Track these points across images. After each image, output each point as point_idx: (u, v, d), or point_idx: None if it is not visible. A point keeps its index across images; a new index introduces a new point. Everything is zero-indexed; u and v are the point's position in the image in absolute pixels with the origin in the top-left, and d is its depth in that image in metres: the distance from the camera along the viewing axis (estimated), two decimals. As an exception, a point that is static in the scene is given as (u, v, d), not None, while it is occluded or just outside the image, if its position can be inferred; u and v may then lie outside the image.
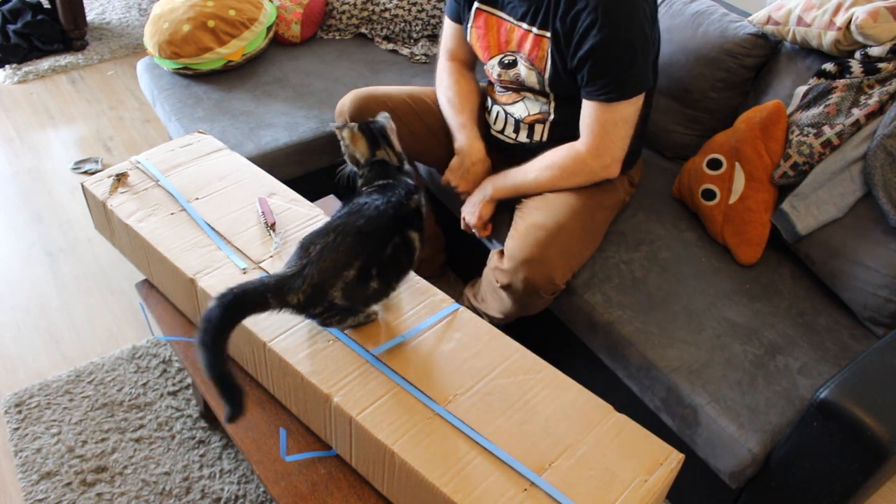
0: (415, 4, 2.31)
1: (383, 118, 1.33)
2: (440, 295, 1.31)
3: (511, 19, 1.50)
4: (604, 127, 1.43)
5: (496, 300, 1.56)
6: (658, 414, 1.39)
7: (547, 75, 1.47)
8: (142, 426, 1.69)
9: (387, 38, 2.35)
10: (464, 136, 1.62)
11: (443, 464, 1.03)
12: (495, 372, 1.17)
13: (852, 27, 1.46)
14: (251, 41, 2.15)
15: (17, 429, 1.68)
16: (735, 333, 1.40)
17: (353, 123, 1.31)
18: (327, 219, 1.41)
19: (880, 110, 1.44)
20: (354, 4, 2.34)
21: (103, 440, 1.65)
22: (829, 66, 1.53)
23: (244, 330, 1.23)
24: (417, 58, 2.27)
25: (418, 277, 1.33)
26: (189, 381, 1.78)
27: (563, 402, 1.13)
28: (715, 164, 1.58)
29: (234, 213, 1.44)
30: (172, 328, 1.45)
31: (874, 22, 1.43)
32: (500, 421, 1.09)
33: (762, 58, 1.66)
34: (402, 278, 1.24)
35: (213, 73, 2.13)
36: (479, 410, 1.11)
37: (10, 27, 3.02)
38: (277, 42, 2.31)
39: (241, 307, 1.10)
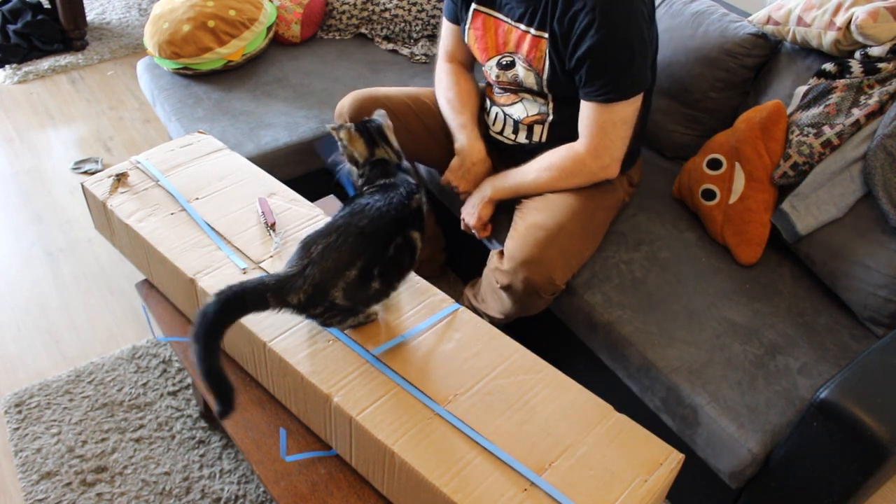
0: (415, 4, 2.31)
1: (379, 116, 1.33)
2: (440, 295, 1.31)
3: (509, 20, 1.50)
4: (602, 127, 1.43)
5: (496, 300, 1.56)
6: (658, 414, 1.39)
7: (545, 76, 1.47)
8: (142, 426, 1.69)
9: (387, 38, 2.35)
10: (464, 137, 1.62)
11: (443, 464, 1.03)
12: (495, 372, 1.17)
13: (852, 27, 1.46)
14: (251, 41, 2.15)
15: (17, 429, 1.68)
16: (735, 333, 1.40)
17: (349, 124, 1.31)
18: (327, 219, 1.42)
19: (880, 110, 1.44)
20: (354, 4, 2.34)
21: (103, 440, 1.65)
22: (829, 66, 1.53)
23: (244, 330, 1.23)
24: (417, 58, 2.27)
25: (418, 277, 1.33)
26: (189, 381, 1.78)
27: (563, 402, 1.13)
28: (715, 164, 1.58)
29: (234, 213, 1.45)
30: (172, 328, 1.45)
31: (874, 22, 1.43)
32: (500, 421, 1.09)
33: (762, 58, 1.66)
34: (403, 278, 1.24)
35: (213, 73, 2.13)
36: (479, 410, 1.11)
37: (10, 27, 3.02)
38: (277, 42, 2.31)
39: (240, 305, 1.10)
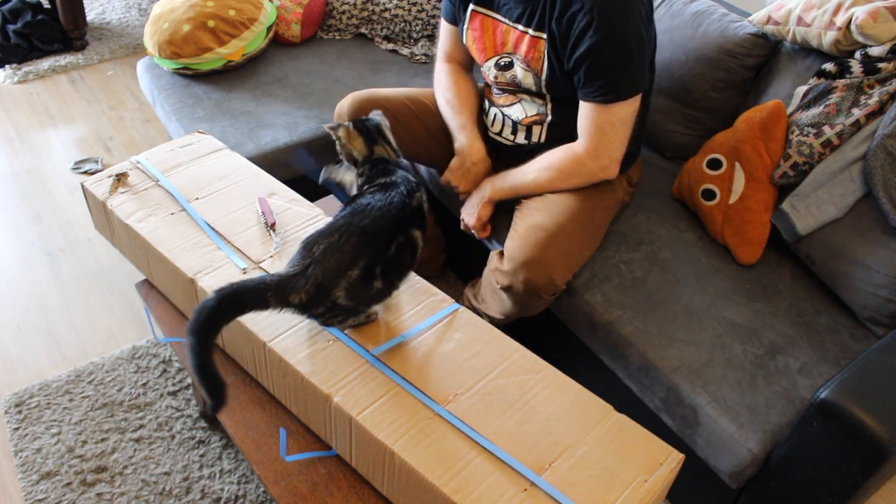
0: (415, 4, 2.31)
1: (376, 115, 1.33)
2: (440, 295, 1.31)
3: (507, 21, 1.50)
4: (601, 128, 1.43)
5: (496, 301, 1.56)
6: (658, 414, 1.39)
7: (543, 77, 1.47)
8: (142, 426, 1.69)
9: (387, 38, 2.35)
10: (464, 137, 1.62)
11: (443, 464, 1.03)
12: (495, 372, 1.17)
13: (852, 27, 1.46)
14: (251, 41, 2.15)
15: (17, 429, 1.68)
16: (735, 333, 1.40)
17: (347, 122, 1.31)
18: (327, 219, 1.42)
19: (880, 110, 1.44)
20: (354, 4, 2.34)
21: (103, 440, 1.65)
22: (829, 66, 1.53)
23: (244, 330, 1.23)
24: (417, 58, 2.27)
25: (418, 277, 1.33)
26: (189, 381, 1.78)
27: (563, 402, 1.13)
28: (715, 164, 1.58)
29: (234, 213, 1.45)
30: (172, 328, 1.45)
31: (874, 22, 1.43)
32: (500, 421, 1.09)
33: (762, 58, 1.66)
34: (405, 277, 1.24)
35: (213, 73, 2.13)
36: (479, 410, 1.11)
37: (10, 27, 3.02)
38: (277, 42, 2.31)
39: (239, 303, 1.11)
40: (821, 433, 1.16)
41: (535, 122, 1.56)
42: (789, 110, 1.54)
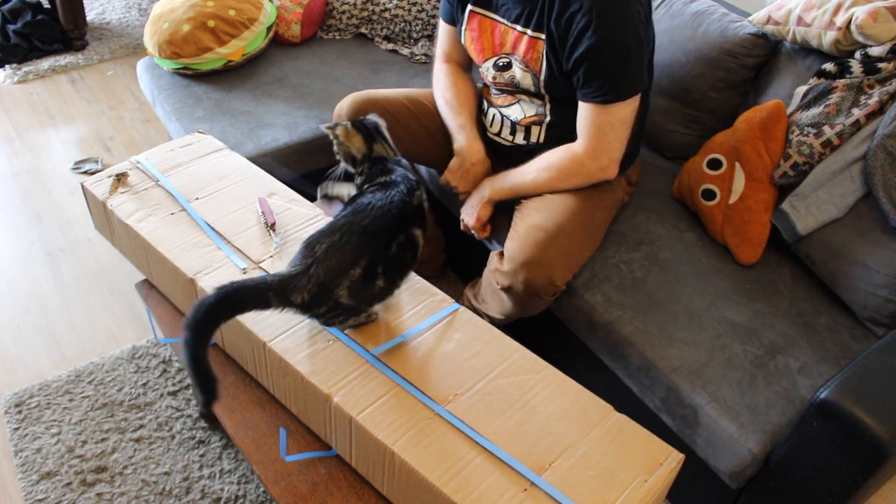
0: (415, 4, 2.31)
1: (373, 117, 1.35)
2: (440, 295, 1.31)
3: (505, 21, 1.50)
4: (600, 128, 1.43)
5: (496, 301, 1.56)
6: (658, 414, 1.39)
7: (542, 77, 1.47)
8: (142, 426, 1.69)
9: (387, 38, 2.35)
10: (463, 137, 1.62)
11: (443, 464, 1.03)
12: (495, 372, 1.17)
13: (852, 27, 1.46)
14: (251, 41, 2.15)
15: (17, 429, 1.68)
16: (735, 333, 1.40)
17: (345, 122, 1.32)
18: (327, 219, 1.42)
19: (880, 110, 1.44)
20: (354, 4, 2.34)
21: (103, 440, 1.65)
22: (829, 66, 1.53)
23: (244, 330, 1.23)
24: (417, 58, 2.27)
25: (418, 277, 1.33)
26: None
27: (563, 402, 1.13)
28: (715, 164, 1.58)
29: (234, 213, 1.45)
30: (172, 328, 1.45)
31: (874, 22, 1.43)
32: (500, 421, 1.09)
33: (762, 58, 1.66)
34: (406, 276, 1.24)
35: (213, 73, 2.13)
36: (479, 410, 1.11)
37: (10, 27, 3.02)
38: (277, 42, 2.31)
39: (239, 302, 1.11)
40: (821, 433, 1.16)
41: (534, 123, 1.56)
42: (789, 110, 1.54)
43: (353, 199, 1.24)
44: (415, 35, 2.34)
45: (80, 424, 1.69)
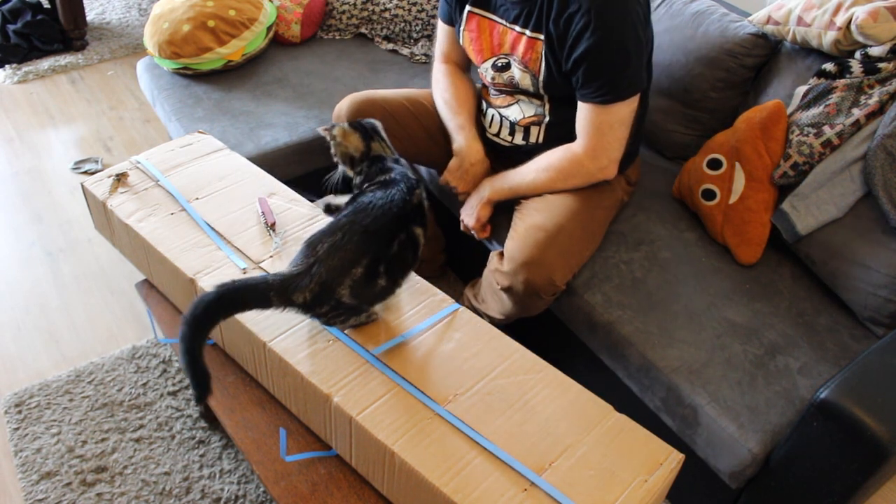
0: (415, 4, 2.31)
1: (371, 120, 1.35)
2: (440, 295, 1.31)
3: (504, 22, 1.50)
4: (599, 129, 1.43)
5: (496, 301, 1.56)
6: (658, 414, 1.39)
7: (541, 78, 1.46)
8: (142, 426, 1.69)
9: (387, 38, 2.35)
10: (462, 138, 1.62)
11: (443, 464, 1.03)
12: (495, 372, 1.17)
13: (852, 27, 1.46)
14: (251, 41, 2.15)
15: (17, 429, 1.68)
16: (735, 333, 1.40)
17: (341, 123, 1.32)
18: (327, 219, 1.42)
19: (880, 110, 1.44)
20: (354, 4, 2.34)
21: (103, 440, 1.65)
22: (829, 66, 1.53)
23: (244, 330, 1.23)
24: (417, 58, 2.27)
25: (418, 277, 1.33)
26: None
27: (563, 402, 1.13)
28: (715, 164, 1.58)
29: (234, 213, 1.45)
30: (172, 328, 1.45)
31: (874, 22, 1.43)
32: (500, 421, 1.09)
33: (762, 58, 1.66)
34: (407, 274, 1.25)
35: (213, 73, 2.13)
36: (479, 410, 1.11)
37: (10, 27, 3.02)
38: (277, 42, 2.31)
39: (239, 301, 1.11)
40: (821, 433, 1.16)
41: (533, 123, 1.56)
42: (789, 110, 1.54)
43: (353, 198, 1.24)
44: (415, 35, 2.34)
45: (80, 424, 1.69)
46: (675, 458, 1.08)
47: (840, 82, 1.49)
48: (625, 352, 1.41)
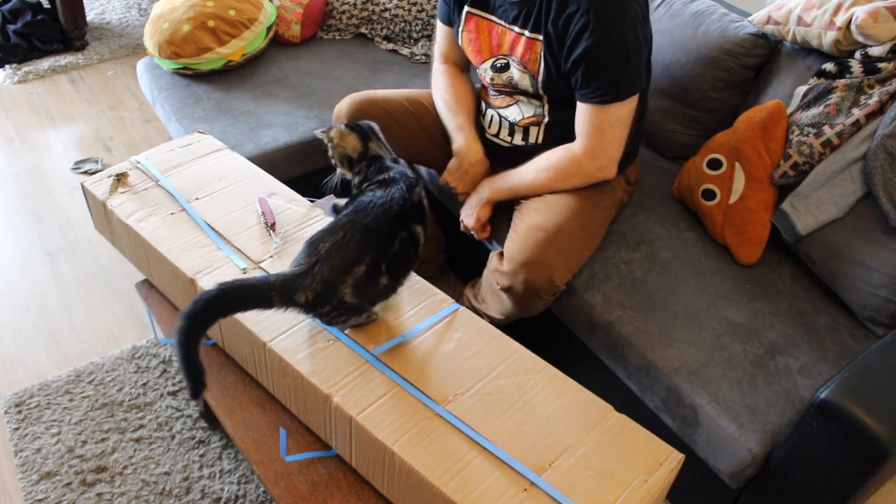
0: (415, 4, 2.31)
1: (367, 122, 1.35)
2: (440, 295, 1.31)
3: (502, 22, 1.49)
4: (599, 129, 1.43)
5: (496, 301, 1.56)
6: (658, 414, 1.39)
7: (540, 78, 1.46)
8: (142, 426, 1.69)
9: (387, 38, 2.35)
10: (462, 138, 1.62)
11: (443, 464, 1.03)
12: (495, 372, 1.17)
13: (852, 27, 1.46)
14: (251, 41, 2.15)
15: (17, 429, 1.68)
16: (735, 333, 1.40)
17: (339, 125, 1.32)
18: (328, 219, 1.42)
19: (880, 110, 1.44)
20: (354, 4, 2.34)
21: (103, 440, 1.65)
22: (829, 66, 1.53)
23: (244, 330, 1.23)
24: (417, 58, 2.27)
25: (418, 277, 1.33)
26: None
27: (563, 402, 1.13)
28: (715, 164, 1.58)
29: (234, 213, 1.45)
30: (172, 328, 1.45)
31: (874, 22, 1.43)
32: (500, 421, 1.09)
33: (762, 58, 1.66)
34: (409, 273, 1.25)
35: (213, 73, 2.13)
36: (479, 410, 1.11)
37: (10, 27, 3.02)
38: (277, 42, 2.31)
39: (239, 300, 1.11)
40: (821, 433, 1.16)
41: (533, 124, 1.56)
42: (789, 110, 1.54)
43: (353, 197, 1.24)
44: (415, 35, 2.34)
45: (80, 424, 1.69)
46: (675, 458, 1.08)
47: (840, 82, 1.49)
48: (625, 352, 1.41)
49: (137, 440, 1.66)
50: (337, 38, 2.37)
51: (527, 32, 1.44)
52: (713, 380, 1.32)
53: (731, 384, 1.31)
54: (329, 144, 1.32)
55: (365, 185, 1.26)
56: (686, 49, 1.71)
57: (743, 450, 1.24)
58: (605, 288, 1.49)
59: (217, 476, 1.59)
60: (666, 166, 1.81)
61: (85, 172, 2.47)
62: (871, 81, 1.47)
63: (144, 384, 1.78)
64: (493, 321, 1.57)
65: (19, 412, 1.71)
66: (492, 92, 1.62)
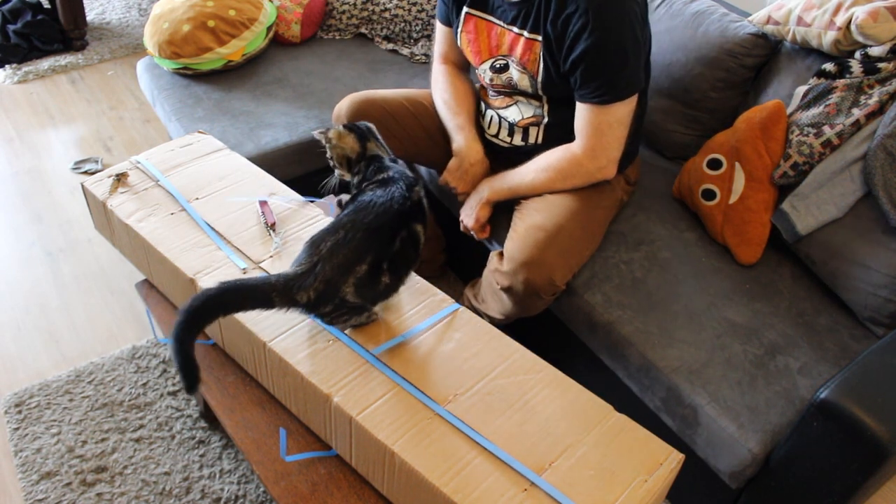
0: (415, 4, 2.31)
1: (365, 122, 1.35)
2: (440, 295, 1.31)
3: (501, 23, 1.49)
4: (598, 129, 1.43)
5: (496, 301, 1.56)
6: (658, 414, 1.39)
7: (539, 78, 1.46)
8: (142, 426, 1.69)
9: (387, 38, 2.35)
10: (462, 138, 1.62)
11: (443, 464, 1.03)
12: (495, 372, 1.17)
13: (852, 27, 1.46)
14: (251, 41, 2.15)
15: (17, 429, 1.68)
16: (735, 333, 1.40)
17: (337, 125, 1.33)
18: (328, 219, 1.42)
19: (880, 110, 1.44)
20: (354, 4, 2.34)
21: (103, 440, 1.65)
22: (829, 66, 1.53)
23: (244, 330, 1.23)
24: (417, 58, 2.27)
25: (418, 277, 1.33)
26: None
27: (563, 402, 1.13)
28: (715, 164, 1.58)
29: (234, 213, 1.45)
30: (172, 328, 1.45)
31: (874, 22, 1.43)
32: (500, 421, 1.09)
33: (762, 58, 1.66)
34: (409, 271, 1.25)
35: (213, 73, 2.13)
36: (479, 410, 1.11)
37: (10, 27, 3.02)
38: (277, 42, 2.31)
39: (241, 299, 1.11)
40: (821, 433, 1.16)
41: (532, 124, 1.56)
42: (789, 110, 1.54)
43: (353, 197, 1.24)
44: (415, 35, 2.34)
45: (80, 424, 1.69)
46: (675, 458, 1.08)
47: (840, 82, 1.49)
48: (625, 352, 1.41)
49: (137, 440, 1.66)
50: (337, 38, 2.37)
51: (526, 33, 1.44)
52: (713, 380, 1.32)
53: (731, 384, 1.31)
54: (327, 145, 1.32)
55: (364, 185, 1.26)
56: (686, 49, 1.71)
57: (743, 450, 1.24)
58: (605, 288, 1.49)
59: (217, 476, 1.59)
60: (666, 166, 1.81)
61: (85, 172, 2.47)
62: (871, 81, 1.47)
63: (144, 384, 1.78)
64: (493, 321, 1.57)
65: (19, 412, 1.71)
66: (491, 92, 1.62)
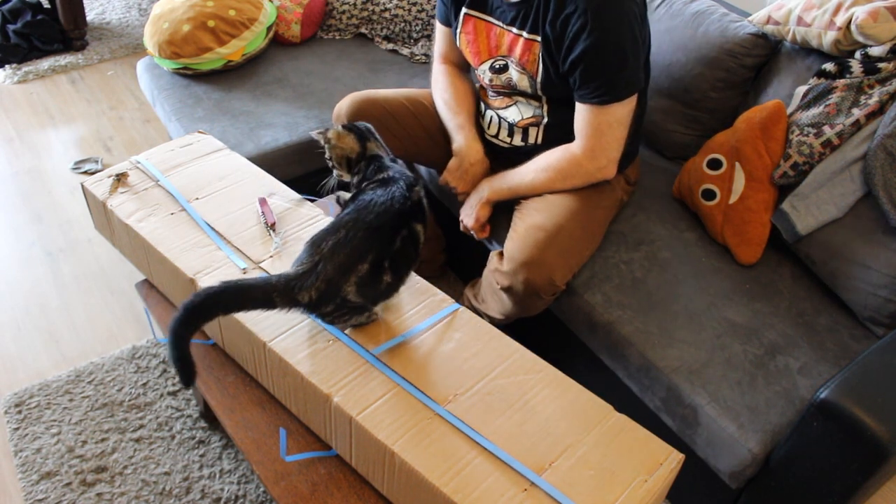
0: (415, 4, 2.31)
1: (363, 123, 1.36)
2: (440, 295, 1.31)
3: (500, 24, 1.49)
4: (598, 129, 1.43)
5: (496, 301, 1.56)
6: (658, 414, 1.39)
7: (539, 79, 1.46)
8: (142, 426, 1.69)
9: (387, 38, 2.35)
10: (462, 138, 1.62)
11: (443, 464, 1.03)
12: (495, 372, 1.17)
13: (852, 27, 1.46)
14: (251, 41, 2.15)
15: (17, 429, 1.68)
16: (735, 333, 1.40)
17: (336, 126, 1.33)
18: (328, 219, 1.42)
19: (880, 110, 1.44)
20: (354, 4, 2.34)
21: (103, 440, 1.65)
22: (829, 66, 1.53)
23: (244, 330, 1.23)
24: (417, 58, 2.27)
25: (418, 277, 1.33)
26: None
27: (563, 402, 1.13)
28: (715, 164, 1.58)
29: (234, 213, 1.45)
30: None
31: (874, 22, 1.43)
32: (500, 421, 1.09)
33: (762, 58, 1.66)
34: (410, 271, 1.25)
35: (213, 73, 2.13)
36: (479, 410, 1.11)
37: (10, 27, 3.02)
38: (277, 42, 2.31)
39: (242, 298, 1.11)
40: (821, 433, 1.16)
41: (532, 125, 1.56)
42: (789, 110, 1.54)
43: (354, 196, 1.24)
44: (415, 35, 2.34)
45: (80, 424, 1.69)
46: (675, 458, 1.08)
47: (840, 82, 1.49)
48: (625, 352, 1.41)
49: (137, 440, 1.66)
50: (337, 38, 2.37)
51: (525, 33, 1.44)
52: (713, 380, 1.32)
53: (731, 384, 1.31)
54: (326, 146, 1.32)
55: (365, 185, 1.26)
56: (686, 49, 1.71)
57: (743, 450, 1.24)
58: (605, 288, 1.49)
59: (217, 476, 1.59)
60: (666, 166, 1.81)
61: (85, 172, 2.47)
62: (871, 81, 1.47)
63: (144, 384, 1.78)
64: (493, 321, 1.57)
65: (19, 412, 1.71)
66: (491, 93, 1.62)
